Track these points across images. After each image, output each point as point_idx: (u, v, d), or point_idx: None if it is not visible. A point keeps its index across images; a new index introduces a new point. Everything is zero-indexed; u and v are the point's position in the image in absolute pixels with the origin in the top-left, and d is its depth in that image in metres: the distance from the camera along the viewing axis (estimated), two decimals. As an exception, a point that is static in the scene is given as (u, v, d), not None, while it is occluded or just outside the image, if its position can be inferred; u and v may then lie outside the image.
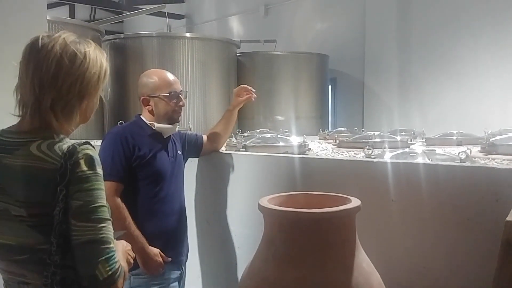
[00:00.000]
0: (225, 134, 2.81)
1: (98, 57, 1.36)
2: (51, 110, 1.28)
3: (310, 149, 3.30)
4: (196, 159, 2.91)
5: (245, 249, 2.67)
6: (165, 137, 2.46)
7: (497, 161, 2.57)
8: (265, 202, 1.78)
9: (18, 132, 1.30)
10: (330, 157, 2.79)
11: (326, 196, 1.92)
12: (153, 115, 2.43)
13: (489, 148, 3.08)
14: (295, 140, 3.47)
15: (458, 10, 6.79)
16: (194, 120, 5.53)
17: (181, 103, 2.46)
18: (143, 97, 2.42)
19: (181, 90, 2.48)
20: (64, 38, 1.31)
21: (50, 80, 1.27)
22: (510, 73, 6.30)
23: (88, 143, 1.29)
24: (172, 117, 2.44)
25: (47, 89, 1.27)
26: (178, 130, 2.63)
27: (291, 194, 1.98)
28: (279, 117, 6.89)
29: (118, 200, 2.22)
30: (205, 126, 5.37)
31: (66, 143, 1.28)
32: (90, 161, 1.25)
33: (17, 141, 1.28)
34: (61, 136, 1.30)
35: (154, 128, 2.41)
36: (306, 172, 2.39)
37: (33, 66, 1.27)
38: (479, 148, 3.26)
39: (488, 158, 2.78)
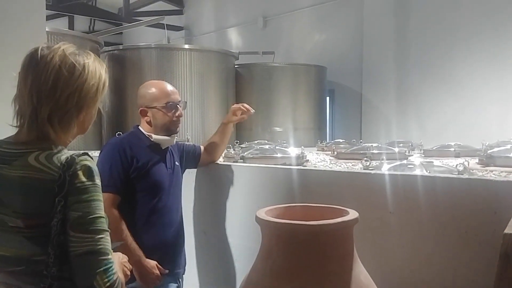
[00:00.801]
0: (221, 145, 2.81)
1: (97, 69, 1.36)
2: (48, 121, 1.28)
3: (308, 160, 3.30)
4: (194, 170, 2.91)
5: (242, 261, 2.66)
6: (163, 148, 2.46)
7: (495, 173, 2.57)
8: (262, 214, 1.78)
9: (16, 143, 1.30)
10: (328, 168, 2.79)
11: (324, 208, 1.92)
12: (151, 126, 2.43)
13: (487, 160, 3.08)
14: (293, 151, 3.47)
15: (456, 23, 6.82)
16: (192, 131, 5.53)
17: (178, 113, 2.46)
18: (141, 108, 2.43)
19: (180, 101, 2.48)
20: (63, 49, 1.31)
21: (48, 91, 1.27)
22: (508, 85, 6.32)
23: (87, 154, 1.29)
24: (169, 128, 2.44)
25: (45, 100, 1.27)
26: (176, 141, 2.63)
27: (288, 206, 1.98)
28: (277, 129, 6.90)
29: (116, 212, 2.21)
30: (203, 137, 5.37)
31: (65, 154, 1.28)
32: (88, 172, 1.25)
33: (15, 152, 1.28)
34: (59, 147, 1.30)
35: (152, 140, 2.41)
36: (304, 183, 2.38)
37: (32, 77, 1.28)
38: (477, 160, 3.26)
39: (486, 170, 2.78)
